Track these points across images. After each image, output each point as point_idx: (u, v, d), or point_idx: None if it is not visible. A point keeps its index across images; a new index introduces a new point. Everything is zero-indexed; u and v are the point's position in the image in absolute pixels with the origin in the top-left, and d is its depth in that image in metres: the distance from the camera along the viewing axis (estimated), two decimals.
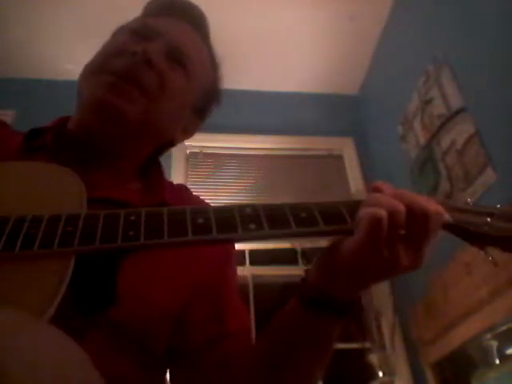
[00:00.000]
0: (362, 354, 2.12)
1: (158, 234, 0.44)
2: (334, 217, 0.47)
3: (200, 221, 0.45)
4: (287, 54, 2.74)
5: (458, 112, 1.89)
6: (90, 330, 0.49)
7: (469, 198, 0.52)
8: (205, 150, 2.65)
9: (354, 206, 0.47)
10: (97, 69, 0.64)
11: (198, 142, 2.63)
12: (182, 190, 0.77)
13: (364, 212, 0.44)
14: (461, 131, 1.86)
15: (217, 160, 2.68)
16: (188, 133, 0.77)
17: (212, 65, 0.77)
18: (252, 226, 0.46)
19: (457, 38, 1.95)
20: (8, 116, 2.43)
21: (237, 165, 2.69)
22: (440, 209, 0.46)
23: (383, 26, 2.62)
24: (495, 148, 1.66)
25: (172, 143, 0.75)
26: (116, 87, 0.61)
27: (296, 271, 2.35)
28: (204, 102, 0.76)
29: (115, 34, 0.73)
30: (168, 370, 0.64)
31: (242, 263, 2.38)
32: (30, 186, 0.52)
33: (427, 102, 2.14)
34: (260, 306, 2.14)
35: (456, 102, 1.92)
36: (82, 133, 0.65)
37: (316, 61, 2.79)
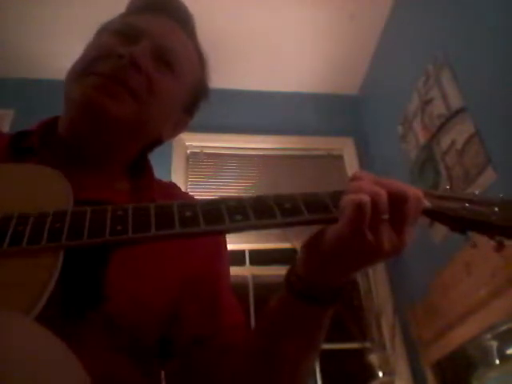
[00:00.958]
0: (362, 354, 2.12)
1: (145, 227, 0.44)
2: (318, 206, 0.49)
3: (187, 214, 0.46)
4: (287, 54, 2.74)
5: (458, 112, 1.89)
6: (79, 327, 0.49)
7: (447, 186, 0.54)
8: (205, 150, 2.65)
9: (338, 195, 0.48)
10: (83, 71, 0.64)
11: (199, 141, 2.63)
12: (171, 188, 0.77)
13: (347, 199, 0.45)
14: (461, 131, 1.86)
15: (217, 160, 2.68)
16: (177, 130, 0.77)
17: (199, 61, 0.76)
18: (238, 217, 0.46)
19: (457, 38, 1.95)
20: (7, 116, 2.43)
21: (237, 165, 2.69)
22: (419, 192, 0.48)
23: (383, 26, 2.62)
24: (495, 148, 1.66)
25: (161, 141, 0.75)
26: (104, 87, 0.61)
27: None
28: (193, 100, 0.76)
29: (98, 34, 0.72)
30: (163, 367, 0.64)
31: (242, 263, 2.38)
32: (17, 187, 0.52)
33: (427, 102, 2.14)
34: (260, 306, 2.14)
35: (456, 101, 1.92)
36: (71, 135, 0.65)
37: (316, 61, 2.79)
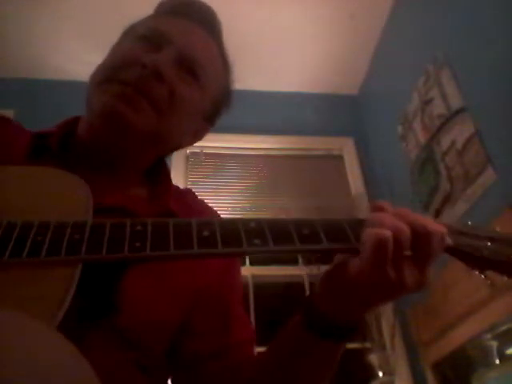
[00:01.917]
0: (362, 354, 2.11)
1: (164, 245, 0.44)
2: (337, 234, 0.48)
3: (205, 233, 0.46)
4: (287, 53, 2.74)
5: (458, 112, 1.89)
6: (91, 336, 0.49)
7: (469, 222, 0.53)
8: (205, 150, 2.65)
9: (357, 224, 0.48)
10: (106, 78, 0.63)
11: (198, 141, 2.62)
12: (189, 195, 0.77)
13: (369, 233, 0.44)
14: (461, 131, 1.86)
15: (217, 160, 2.68)
16: (197, 137, 0.77)
17: (224, 69, 0.75)
18: (257, 241, 0.46)
19: (457, 38, 1.95)
20: (7, 115, 2.42)
21: (237, 165, 2.69)
22: (442, 229, 0.46)
23: (383, 25, 2.62)
24: (495, 148, 1.66)
25: (180, 148, 0.75)
26: (126, 97, 0.60)
27: (296, 271, 2.35)
28: (214, 108, 0.75)
29: (124, 37, 0.72)
30: (170, 376, 0.64)
31: (242, 263, 2.38)
32: (37, 190, 0.52)
33: (427, 102, 2.14)
34: (260, 306, 2.14)
35: (456, 102, 1.92)
36: (91, 140, 0.64)
37: (316, 61, 2.79)
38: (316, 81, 2.90)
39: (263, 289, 2.28)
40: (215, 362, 0.61)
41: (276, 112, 2.81)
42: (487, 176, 1.67)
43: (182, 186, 0.79)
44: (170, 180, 0.73)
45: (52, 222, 0.45)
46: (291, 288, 2.33)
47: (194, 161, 2.64)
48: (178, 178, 2.42)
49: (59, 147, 0.64)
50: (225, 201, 2.50)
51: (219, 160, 2.68)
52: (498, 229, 0.54)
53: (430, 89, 2.12)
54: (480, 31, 1.79)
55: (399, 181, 2.37)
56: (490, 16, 1.73)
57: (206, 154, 2.65)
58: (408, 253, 0.44)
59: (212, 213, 0.76)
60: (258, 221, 0.48)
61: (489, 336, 1.63)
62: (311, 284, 2.25)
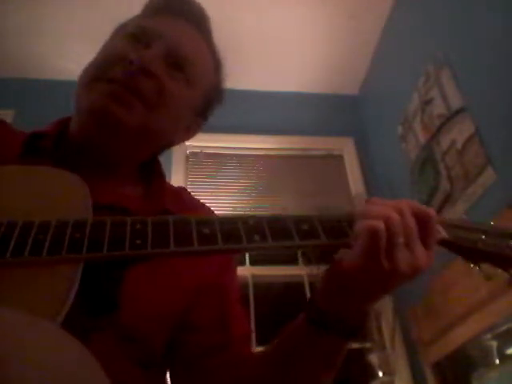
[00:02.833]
0: (362, 354, 2.11)
1: (164, 243, 0.45)
2: (335, 229, 0.49)
3: (205, 231, 0.46)
4: (287, 53, 2.74)
5: (458, 112, 1.89)
6: (94, 332, 0.49)
7: (464, 215, 0.55)
8: (205, 150, 2.65)
9: (354, 218, 0.48)
10: (95, 76, 0.63)
11: (198, 141, 2.62)
12: (183, 193, 0.77)
13: (361, 225, 0.44)
14: (461, 131, 1.86)
15: (217, 160, 2.68)
16: (190, 133, 0.76)
17: (214, 65, 0.75)
18: (256, 238, 0.47)
19: (457, 38, 1.95)
20: (6, 116, 2.43)
21: (237, 165, 2.69)
22: (431, 210, 0.47)
23: (383, 25, 2.62)
24: (495, 148, 1.66)
25: (173, 144, 0.75)
26: (114, 95, 0.60)
27: (296, 271, 2.35)
28: (206, 104, 0.75)
29: (113, 36, 0.72)
30: (168, 371, 0.64)
31: (242, 263, 2.38)
32: (36, 189, 0.52)
33: (427, 102, 2.14)
34: (260, 306, 2.14)
35: (456, 101, 1.92)
36: (83, 139, 0.64)
37: (316, 61, 2.79)
38: (316, 81, 2.90)
39: (263, 289, 2.28)
40: (213, 357, 0.61)
41: (276, 112, 2.80)
42: (487, 176, 1.67)
43: (182, 186, 0.79)
44: (164, 178, 0.73)
45: (52, 221, 0.45)
46: (291, 288, 2.33)
47: (194, 161, 2.64)
48: (178, 178, 2.42)
49: (53, 147, 0.64)
50: (225, 201, 2.50)
51: (219, 160, 2.68)
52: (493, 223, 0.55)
53: (430, 89, 2.12)
54: (480, 31, 1.78)
55: (399, 181, 2.37)
56: (490, 16, 1.73)
57: (206, 154, 2.66)
58: (401, 240, 0.45)
59: (207, 210, 0.76)
60: (257, 218, 0.49)
61: (489, 336, 1.63)
62: (311, 284, 2.25)
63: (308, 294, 2.24)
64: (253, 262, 2.35)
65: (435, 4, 2.15)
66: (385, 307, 2.23)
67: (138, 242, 0.44)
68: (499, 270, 0.52)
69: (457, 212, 1.83)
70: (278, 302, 2.30)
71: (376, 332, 2.15)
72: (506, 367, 1.58)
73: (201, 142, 2.61)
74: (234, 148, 2.70)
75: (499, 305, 1.49)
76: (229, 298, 0.68)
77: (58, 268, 0.42)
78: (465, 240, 0.52)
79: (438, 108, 2.04)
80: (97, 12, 2.35)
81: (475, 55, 1.81)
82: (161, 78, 0.63)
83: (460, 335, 1.70)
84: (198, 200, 0.77)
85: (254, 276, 2.29)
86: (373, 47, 2.74)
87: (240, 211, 2.45)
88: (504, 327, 1.57)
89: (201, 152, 2.65)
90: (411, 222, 0.45)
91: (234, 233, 0.47)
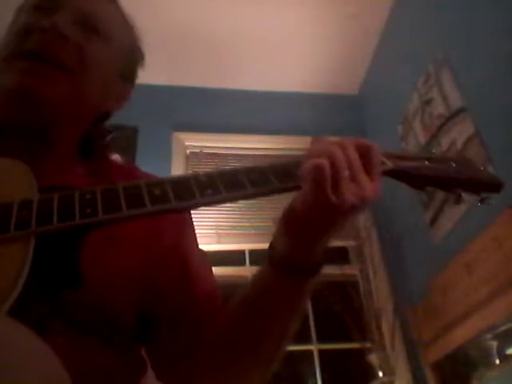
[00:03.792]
0: (362, 353, 2.12)
1: (116, 208, 0.44)
2: (286, 175, 0.50)
3: (157, 192, 0.46)
4: (287, 53, 2.74)
5: (458, 112, 1.89)
6: (55, 316, 0.48)
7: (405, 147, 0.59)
8: (205, 150, 2.65)
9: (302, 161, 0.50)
10: (8, 55, 0.60)
11: (198, 141, 2.63)
12: (136, 170, 0.74)
13: (306, 164, 0.46)
14: (461, 131, 1.86)
15: (217, 160, 2.67)
16: (121, 100, 0.73)
17: (126, 23, 0.73)
18: (209, 192, 0.47)
19: (457, 38, 1.95)
20: None
21: (237, 165, 2.69)
22: (373, 143, 0.50)
23: (383, 25, 2.62)
24: (495, 148, 1.66)
25: (108, 114, 0.73)
26: (33, 71, 0.58)
27: None
28: (128, 65, 0.72)
29: (17, 14, 0.69)
30: (143, 348, 0.63)
31: (242, 263, 2.38)
32: None
33: (427, 102, 2.14)
34: None
35: (456, 101, 1.92)
36: (9, 120, 0.61)
37: (316, 61, 2.79)
38: (316, 81, 2.90)
39: None
40: (183, 319, 0.60)
41: (276, 112, 2.81)
42: None
43: (132, 163, 0.76)
44: (106, 153, 0.71)
45: None
46: None
47: (194, 161, 2.64)
48: None
49: None
50: None
51: (219, 160, 2.67)
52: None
53: (430, 89, 2.12)
54: (480, 31, 1.78)
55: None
56: (490, 16, 1.73)
57: (206, 154, 2.66)
58: (346, 173, 0.46)
59: None
60: (208, 173, 0.49)
61: (489, 336, 1.63)
62: None
63: None
64: (253, 262, 2.35)
65: (435, 4, 2.15)
66: (385, 307, 2.23)
67: (89, 210, 0.44)
68: (443, 192, 0.56)
69: (457, 212, 1.83)
70: None
71: (376, 332, 2.15)
72: (506, 367, 1.58)
73: (201, 141, 2.61)
74: (234, 148, 2.70)
75: (499, 305, 1.49)
76: (189, 256, 0.66)
77: (8, 247, 0.40)
78: (409, 168, 0.54)
79: (438, 108, 2.04)
80: None
81: (475, 55, 1.81)
82: (78, 41, 0.61)
83: (460, 335, 1.70)
84: (150, 174, 0.73)
85: None
86: (373, 47, 2.74)
87: (240, 211, 2.45)
88: (504, 327, 1.57)
89: (201, 152, 2.65)
90: (354, 155, 0.47)
91: (187, 190, 0.47)
